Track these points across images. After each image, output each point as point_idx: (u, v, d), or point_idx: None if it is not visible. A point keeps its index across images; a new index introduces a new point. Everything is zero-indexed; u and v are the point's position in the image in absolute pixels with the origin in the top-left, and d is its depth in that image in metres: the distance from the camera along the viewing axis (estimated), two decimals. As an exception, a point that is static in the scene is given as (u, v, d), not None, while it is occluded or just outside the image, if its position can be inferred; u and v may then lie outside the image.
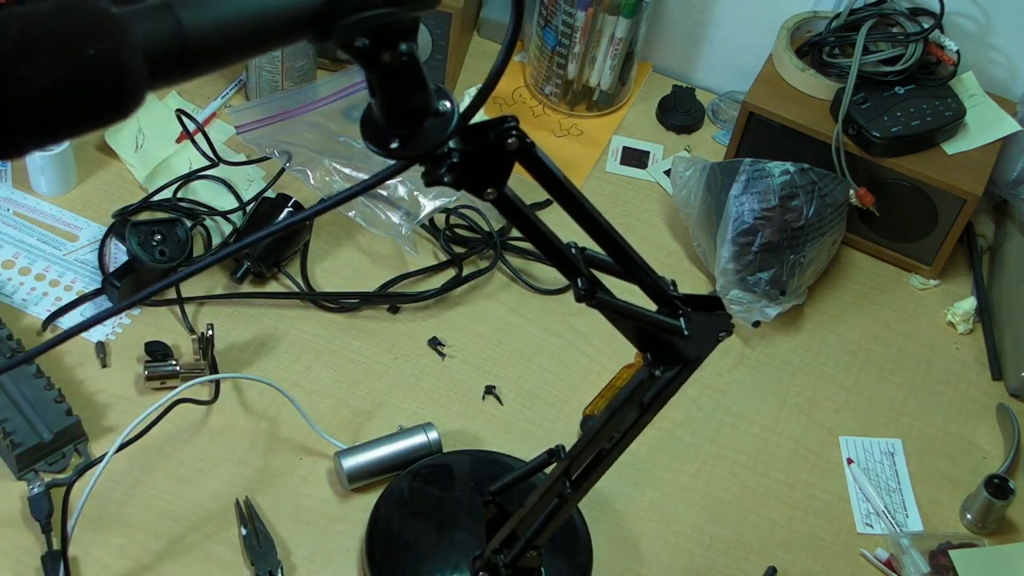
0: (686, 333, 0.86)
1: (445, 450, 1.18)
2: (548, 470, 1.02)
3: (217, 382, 1.20)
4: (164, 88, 0.57)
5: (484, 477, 1.14)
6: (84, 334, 1.23)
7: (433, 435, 1.17)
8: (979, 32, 1.43)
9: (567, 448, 0.98)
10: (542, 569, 1.05)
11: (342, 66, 1.51)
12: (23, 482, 1.10)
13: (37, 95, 0.50)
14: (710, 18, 1.58)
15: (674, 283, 0.87)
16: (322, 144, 1.39)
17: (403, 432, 1.17)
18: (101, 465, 1.07)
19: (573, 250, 0.82)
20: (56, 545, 1.06)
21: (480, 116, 1.49)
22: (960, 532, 1.20)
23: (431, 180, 0.71)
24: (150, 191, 1.36)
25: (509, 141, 0.71)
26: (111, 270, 1.27)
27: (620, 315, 0.84)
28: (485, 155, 0.72)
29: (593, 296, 0.81)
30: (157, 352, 1.20)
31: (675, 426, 1.25)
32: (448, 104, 0.69)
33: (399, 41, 0.64)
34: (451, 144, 0.70)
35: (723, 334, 0.88)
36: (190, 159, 1.39)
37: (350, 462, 1.13)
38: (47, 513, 1.07)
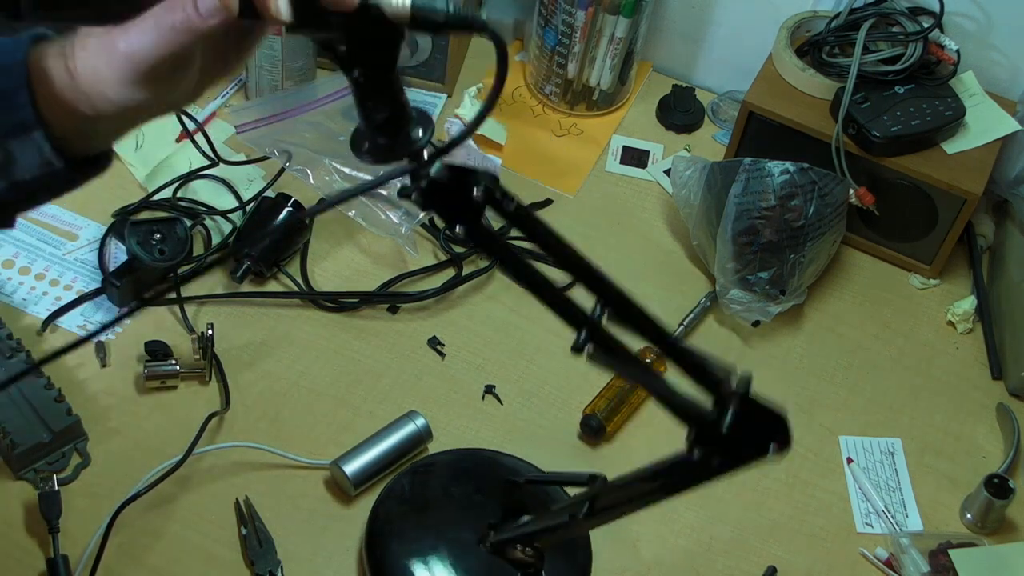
0: (724, 431, 0.80)
1: (444, 449, 1.18)
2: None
3: (225, 386, 1.20)
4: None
5: (483, 476, 1.14)
6: (84, 334, 1.23)
7: (420, 421, 1.17)
8: (979, 32, 1.43)
9: (606, 480, 0.97)
10: (543, 571, 1.05)
11: (342, 66, 1.51)
12: (22, 482, 1.10)
13: None
14: (710, 17, 1.58)
15: (748, 377, 0.81)
16: (322, 144, 1.39)
17: (391, 426, 1.17)
18: (142, 486, 1.07)
19: (596, 311, 0.80)
20: (65, 548, 1.05)
21: (488, 120, 1.50)
22: (960, 532, 1.20)
23: (402, 194, 0.73)
24: (150, 190, 1.36)
25: (475, 192, 0.72)
26: (111, 269, 1.26)
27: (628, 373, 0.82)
28: (450, 192, 0.72)
29: (581, 349, 0.79)
30: (157, 352, 1.20)
31: (675, 425, 1.25)
32: (421, 132, 0.70)
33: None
34: (432, 172, 0.71)
35: (773, 446, 0.81)
36: (190, 158, 1.39)
37: (352, 468, 1.13)
38: (57, 514, 1.06)
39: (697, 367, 0.80)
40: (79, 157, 0.67)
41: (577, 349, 0.79)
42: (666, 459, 0.85)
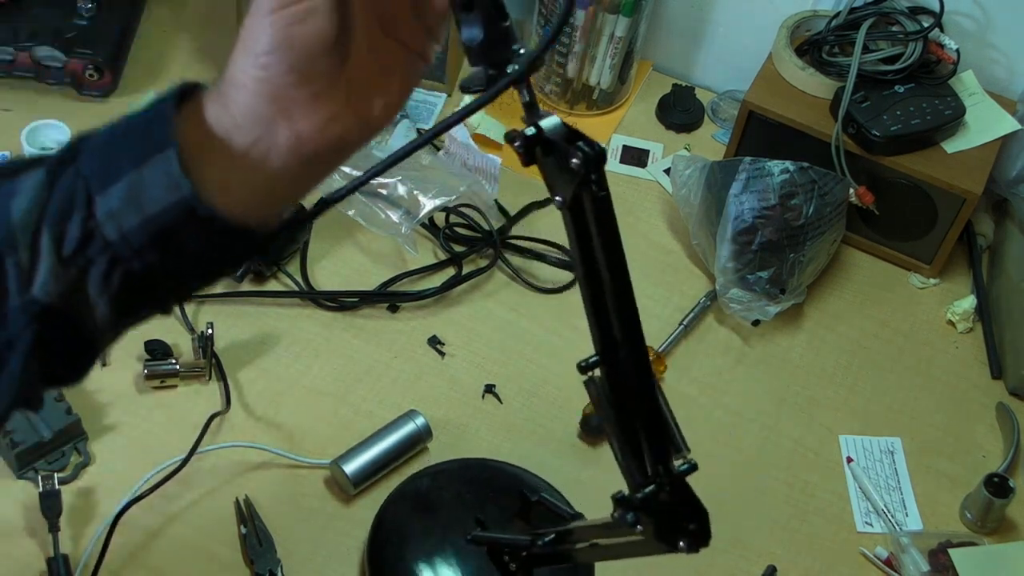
0: (640, 495, 0.77)
1: (442, 448, 1.18)
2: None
3: (226, 385, 1.20)
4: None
5: (490, 486, 1.14)
6: (84, 333, 1.23)
7: (420, 420, 1.17)
8: (979, 31, 1.43)
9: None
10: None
11: (342, 65, 1.51)
12: (22, 481, 1.10)
13: None
14: (710, 17, 1.58)
15: (692, 465, 0.78)
16: (322, 143, 1.39)
17: (391, 425, 1.17)
18: (141, 488, 1.07)
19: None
20: (64, 548, 1.05)
21: (487, 119, 1.49)
22: (960, 531, 1.20)
23: (509, 138, 0.69)
24: (150, 190, 1.36)
25: (573, 161, 0.66)
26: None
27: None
28: (551, 153, 0.68)
29: (586, 371, 0.78)
30: (157, 351, 1.20)
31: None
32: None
33: None
34: (547, 128, 0.67)
35: (682, 543, 0.77)
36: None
37: (351, 467, 1.13)
38: (58, 513, 1.06)
39: (658, 430, 0.78)
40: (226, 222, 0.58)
41: (583, 369, 0.78)
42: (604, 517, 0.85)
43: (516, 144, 0.67)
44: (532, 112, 0.66)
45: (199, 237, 0.58)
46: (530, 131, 0.66)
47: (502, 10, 0.62)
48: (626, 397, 0.78)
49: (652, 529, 0.79)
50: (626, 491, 0.81)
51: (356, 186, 0.64)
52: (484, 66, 0.64)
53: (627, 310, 0.74)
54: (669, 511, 0.78)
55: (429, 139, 0.64)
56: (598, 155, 0.66)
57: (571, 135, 0.67)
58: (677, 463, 0.79)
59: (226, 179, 0.59)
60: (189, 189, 0.57)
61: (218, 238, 0.59)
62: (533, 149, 0.67)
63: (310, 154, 0.61)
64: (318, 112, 0.60)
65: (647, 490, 0.78)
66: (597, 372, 0.79)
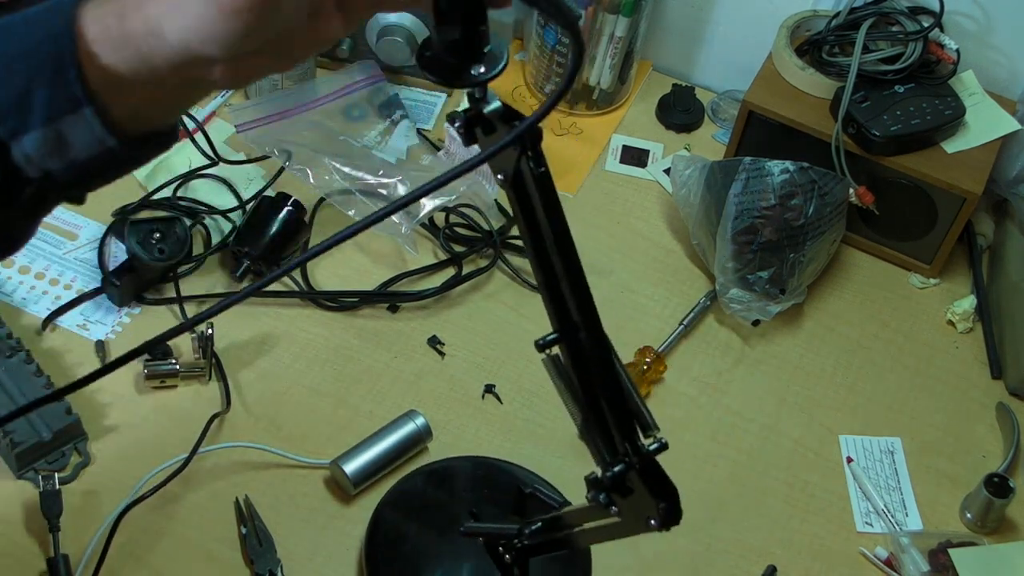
0: (609, 474, 0.78)
1: (442, 448, 1.18)
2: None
3: (226, 386, 1.20)
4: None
5: (486, 483, 1.14)
6: (84, 333, 1.23)
7: (420, 420, 1.17)
8: (979, 31, 1.43)
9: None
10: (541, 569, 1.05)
11: (342, 65, 1.51)
12: (22, 481, 1.10)
13: None
14: (710, 17, 1.58)
15: (663, 444, 0.79)
16: (322, 143, 1.39)
17: (391, 425, 1.17)
18: (141, 489, 1.07)
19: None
20: (64, 548, 1.05)
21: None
22: (960, 531, 1.20)
23: (450, 120, 0.71)
24: (149, 189, 1.36)
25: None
26: (110, 269, 1.26)
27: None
28: (491, 133, 0.69)
29: (543, 348, 0.78)
30: (157, 351, 1.20)
31: (675, 425, 1.25)
32: (483, 69, 0.66)
33: None
34: (488, 109, 0.68)
35: (653, 521, 0.79)
36: (190, 158, 1.39)
37: (352, 467, 1.13)
38: (58, 513, 1.06)
39: (622, 405, 0.78)
40: (138, 134, 0.60)
41: (540, 347, 0.78)
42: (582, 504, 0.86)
43: (456, 124, 0.69)
44: (478, 95, 0.67)
45: (120, 162, 0.61)
46: (466, 108, 0.68)
47: (483, 14, 0.63)
48: (587, 372, 0.78)
49: (625, 509, 0.80)
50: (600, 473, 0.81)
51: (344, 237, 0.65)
52: (450, 61, 0.65)
53: (578, 285, 0.75)
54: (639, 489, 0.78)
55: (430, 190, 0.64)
56: (533, 132, 0.68)
57: (509, 114, 0.68)
58: (647, 442, 0.79)
59: (134, 118, 0.60)
60: (116, 143, 0.59)
61: (133, 155, 0.61)
62: (473, 129, 0.69)
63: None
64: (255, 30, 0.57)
65: (616, 469, 0.79)
66: (556, 350, 0.79)
